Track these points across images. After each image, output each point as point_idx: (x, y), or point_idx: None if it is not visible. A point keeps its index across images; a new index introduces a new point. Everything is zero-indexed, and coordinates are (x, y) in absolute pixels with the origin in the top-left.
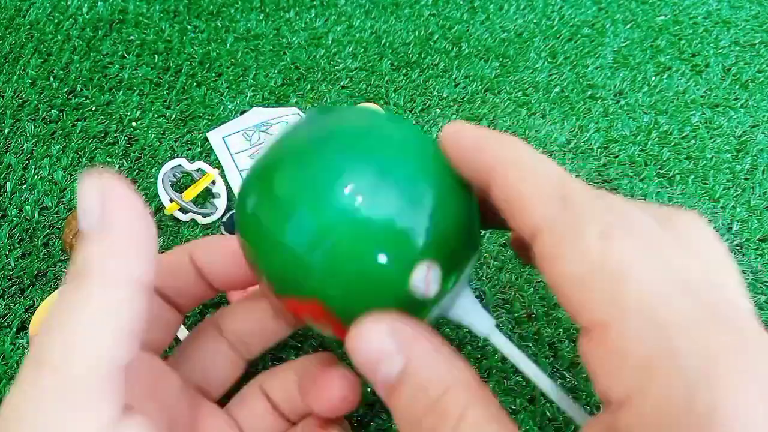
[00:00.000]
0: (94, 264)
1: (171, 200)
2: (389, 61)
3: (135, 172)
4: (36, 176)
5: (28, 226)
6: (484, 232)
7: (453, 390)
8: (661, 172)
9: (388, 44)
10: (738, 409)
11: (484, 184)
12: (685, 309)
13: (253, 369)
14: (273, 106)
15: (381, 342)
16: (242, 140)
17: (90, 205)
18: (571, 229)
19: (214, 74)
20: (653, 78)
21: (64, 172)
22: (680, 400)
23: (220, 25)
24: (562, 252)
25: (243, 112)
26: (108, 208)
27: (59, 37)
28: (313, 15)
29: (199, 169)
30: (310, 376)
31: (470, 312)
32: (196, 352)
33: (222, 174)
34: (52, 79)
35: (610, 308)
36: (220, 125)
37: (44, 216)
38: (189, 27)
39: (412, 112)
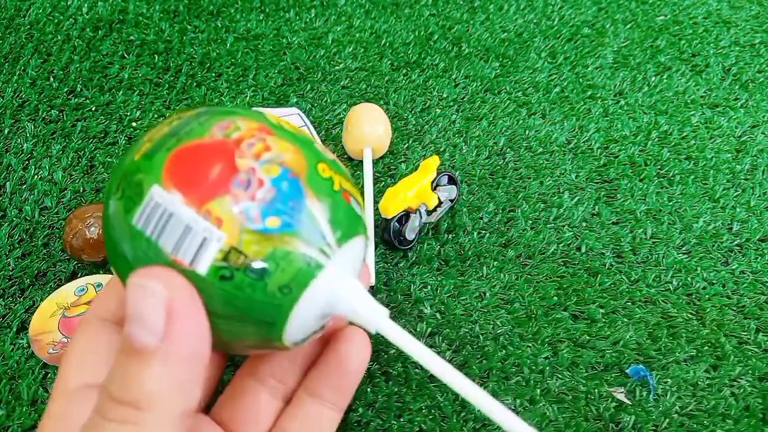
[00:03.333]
0: (153, 396)
1: None
2: (389, 61)
3: None
4: (36, 176)
5: (28, 227)
6: (478, 231)
7: None
8: (661, 172)
9: (388, 44)
10: None
11: None
12: None
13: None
14: (273, 106)
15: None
16: None
17: (153, 319)
18: None
19: (214, 74)
20: (653, 78)
21: (64, 172)
22: None
23: (220, 25)
24: None
25: None
26: (173, 327)
27: (59, 37)
28: (313, 15)
29: None
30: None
31: (357, 305)
32: None
33: None
34: (52, 79)
35: None
36: None
37: (44, 216)
38: (189, 27)
39: (412, 112)
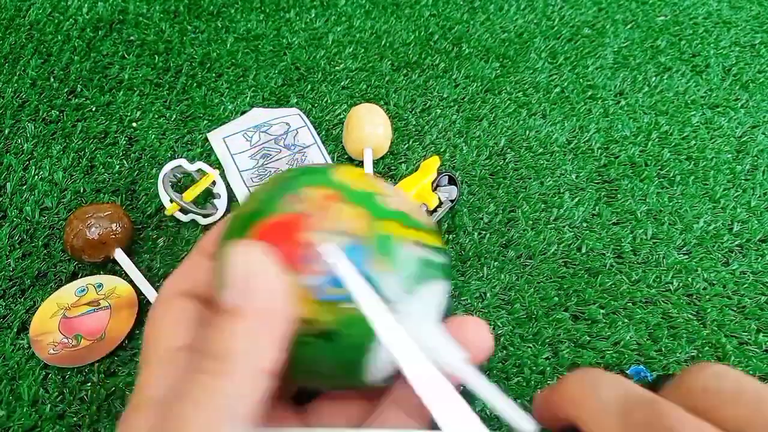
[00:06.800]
0: (231, 352)
1: (171, 201)
2: (389, 62)
3: (135, 173)
4: (36, 177)
5: (28, 227)
6: (478, 232)
7: None
8: (662, 172)
9: (388, 45)
10: None
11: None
12: None
13: None
14: (273, 107)
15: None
16: (242, 141)
17: (235, 279)
18: None
19: (214, 75)
20: (653, 78)
21: (65, 172)
22: None
23: (220, 25)
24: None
25: (243, 113)
26: (252, 286)
27: (59, 38)
28: (313, 15)
29: (199, 170)
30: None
31: (437, 346)
32: None
33: (222, 175)
34: (52, 79)
35: None
36: (220, 126)
37: (44, 217)
38: (189, 27)
39: (413, 112)
